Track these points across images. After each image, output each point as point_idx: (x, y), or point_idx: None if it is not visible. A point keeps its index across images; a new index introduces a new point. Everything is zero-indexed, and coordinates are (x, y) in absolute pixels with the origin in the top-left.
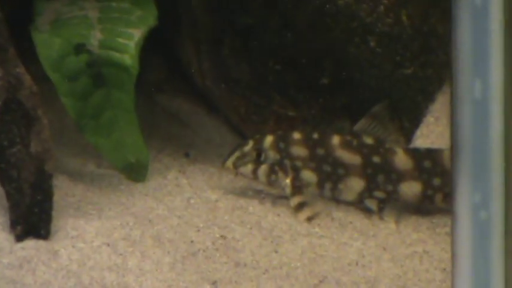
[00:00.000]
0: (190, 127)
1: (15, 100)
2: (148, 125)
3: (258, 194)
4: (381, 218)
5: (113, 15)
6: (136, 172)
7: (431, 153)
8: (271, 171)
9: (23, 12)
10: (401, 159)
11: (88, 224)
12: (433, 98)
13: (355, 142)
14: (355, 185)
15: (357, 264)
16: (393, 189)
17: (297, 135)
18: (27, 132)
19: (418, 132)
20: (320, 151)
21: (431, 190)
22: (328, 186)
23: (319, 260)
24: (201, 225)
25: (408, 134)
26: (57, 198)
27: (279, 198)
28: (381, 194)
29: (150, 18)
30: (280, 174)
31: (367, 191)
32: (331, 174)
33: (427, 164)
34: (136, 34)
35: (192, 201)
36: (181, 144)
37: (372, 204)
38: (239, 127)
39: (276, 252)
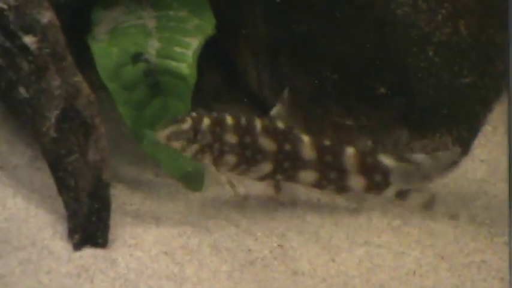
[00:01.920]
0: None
1: (73, 109)
2: None
3: (315, 204)
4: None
5: (170, 24)
6: (193, 181)
7: (334, 149)
8: (201, 150)
9: (80, 21)
10: (307, 149)
11: (146, 233)
12: (490, 108)
13: (271, 128)
14: (265, 168)
15: (414, 273)
16: (293, 175)
17: (230, 121)
18: (84, 141)
19: (476, 142)
20: (247, 139)
21: (326, 182)
22: (243, 167)
23: (376, 269)
24: (259, 234)
25: (466, 144)
26: (115, 207)
27: (337, 208)
28: (280, 177)
29: (207, 27)
30: (207, 155)
31: (272, 174)
32: (250, 159)
33: (328, 158)
34: (194, 43)
35: (249, 210)
36: None
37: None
38: None
39: (334, 261)
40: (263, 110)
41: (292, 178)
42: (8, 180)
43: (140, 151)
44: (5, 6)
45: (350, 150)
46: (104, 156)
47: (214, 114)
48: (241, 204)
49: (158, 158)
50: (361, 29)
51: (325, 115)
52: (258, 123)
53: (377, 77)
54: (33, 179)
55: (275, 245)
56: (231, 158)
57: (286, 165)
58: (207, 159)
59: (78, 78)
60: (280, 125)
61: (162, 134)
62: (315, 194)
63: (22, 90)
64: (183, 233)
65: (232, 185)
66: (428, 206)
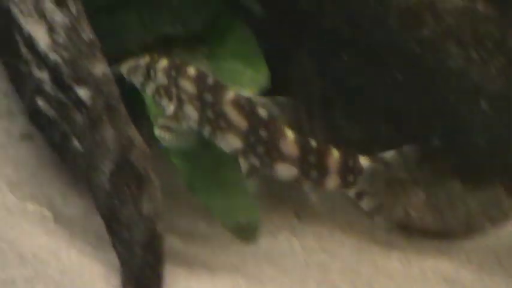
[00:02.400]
0: (301, 188)
1: (127, 161)
2: (259, 186)
3: (369, 255)
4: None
5: (225, 76)
6: (247, 233)
7: (319, 151)
8: (157, 91)
9: None
10: (289, 145)
11: (199, 285)
12: None
13: (247, 107)
14: (232, 141)
15: None
16: (270, 165)
17: (191, 72)
18: (138, 193)
19: None
20: (208, 97)
21: (305, 178)
22: (208, 129)
23: None
24: (312, 286)
25: None
26: (169, 258)
27: (389, 259)
28: (255, 161)
29: (261, 79)
30: (165, 99)
31: (244, 152)
32: (213, 121)
33: (312, 159)
34: (248, 94)
35: (303, 262)
36: (292, 205)
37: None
38: None
39: None
40: None
41: (268, 166)
42: (62, 233)
43: (194, 202)
44: (58, 59)
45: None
46: (157, 208)
47: (177, 61)
48: (295, 255)
49: (212, 210)
50: (413, 80)
51: None
52: (230, 93)
53: (430, 128)
54: (87, 232)
55: None
56: (191, 110)
57: (261, 151)
58: (166, 105)
59: (132, 130)
60: (262, 111)
61: (122, 68)
62: (369, 247)
63: (76, 142)
64: (237, 285)
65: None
66: (372, 213)
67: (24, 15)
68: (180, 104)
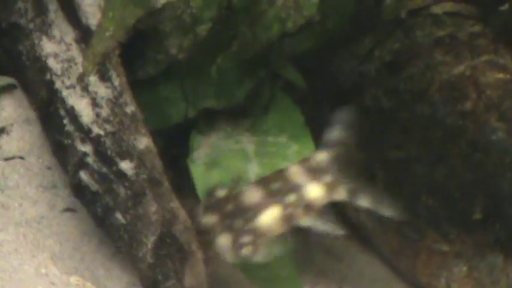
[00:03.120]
0: (343, 261)
1: (170, 235)
2: (302, 259)
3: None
4: None
5: (270, 150)
6: None
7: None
8: None
9: (177, 147)
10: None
11: None
12: None
13: None
14: None
15: None
16: None
17: None
18: (181, 267)
19: None
20: None
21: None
22: None
23: None
24: None
25: None
26: None
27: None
28: None
29: (307, 152)
30: None
31: None
32: None
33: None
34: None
35: None
36: (335, 278)
37: None
38: (391, 261)
39: None
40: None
41: None
42: None
43: (238, 275)
44: (102, 133)
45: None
46: (200, 281)
47: None
48: None
49: (255, 282)
50: (455, 154)
51: (421, 240)
52: None
53: (471, 201)
54: None
55: None
56: None
57: None
58: None
59: (175, 203)
60: None
61: None
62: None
63: (119, 215)
64: None
65: None
66: None
67: (68, 88)
68: None
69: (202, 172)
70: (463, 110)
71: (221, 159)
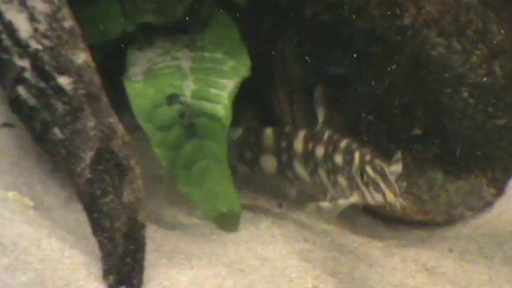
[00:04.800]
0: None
1: (108, 149)
2: (241, 175)
3: (350, 245)
4: None
5: (206, 66)
6: (228, 222)
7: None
8: None
9: (115, 61)
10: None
11: (180, 274)
12: None
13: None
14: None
15: None
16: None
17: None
18: (119, 182)
19: (510, 183)
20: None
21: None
22: None
23: None
24: (294, 275)
25: (501, 185)
26: (150, 248)
27: (371, 249)
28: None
29: (243, 68)
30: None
31: None
32: None
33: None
34: (229, 85)
35: (284, 251)
36: (274, 194)
37: None
38: None
39: None
40: None
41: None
42: (43, 221)
43: (175, 192)
44: (39, 47)
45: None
46: (139, 197)
47: None
48: (276, 244)
49: (193, 199)
50: (394, 70)
51: None
52: None
53: (411, 117)
54: (67, 220)
55: (310, 286)
56: None
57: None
58: None
59: (113, 119)
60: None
61: None
62: (350, 236)
63: (57, 131)
64: (218, 274)
65: None
66: None
67: (5, 2)
68: None
69: (138, 88)
70: (402, 26)
71: (157, 75)
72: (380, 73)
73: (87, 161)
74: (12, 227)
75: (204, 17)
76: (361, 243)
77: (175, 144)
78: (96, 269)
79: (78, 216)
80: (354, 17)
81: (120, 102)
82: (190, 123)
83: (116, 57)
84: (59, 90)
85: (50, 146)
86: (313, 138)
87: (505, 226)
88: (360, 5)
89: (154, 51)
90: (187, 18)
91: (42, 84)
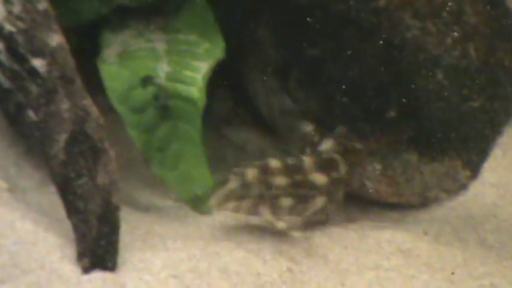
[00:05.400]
0: (258, 159)
1: (82, 132)
2: (216, 157)
3: (324, 227)
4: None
5: (180, 48)
6: (202, 204)
7: None
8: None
9: (90, 44)
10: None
11: (155, 256)
12: (500, 131)
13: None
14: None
15: None
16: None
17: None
18: (94, 164)
19: (486, 165)
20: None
21: None
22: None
23: None
24: (268, 257)
25: (476, 167)
26: (124, 230)
27: (346, 231)
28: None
29: (217, 51)
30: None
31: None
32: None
33: None
34: (204, 67)
35: (258, 233)
36: None
37: None
38: None
39: (343, 285)
40: (273, 133)
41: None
42: (17, 203)
43: (150, 174)
44: (13, 29)
45: None
46: (113, 179)
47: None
48: (250, 227)
49: (167, 181)
50: (369, 52)
51: (335, 138)
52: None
53: (386, 100)
54: (41, 202)
55: (284, 268)
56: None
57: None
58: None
59: (88, 101)
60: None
61: (214, 202)
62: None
63: (31, 113)
64: (192, 256)
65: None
66: None
67: None
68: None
69: (112, 71)
70: (376, 7)
71: (131, 57)
72: (354, 55)
73: (61, 143)
74: None
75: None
76: (336, 225)
77: (150, 127)
78: (71, 251)
79: (52, 199)
80: None
81: (94, 84)
82: (164, 106)
83: (90, 39)
84: (33, 72)
85: (24, 128)
86: None
87: (479, 209)
88: None
89: (128, 34)
90: (161, 0)
91: (16, 67)
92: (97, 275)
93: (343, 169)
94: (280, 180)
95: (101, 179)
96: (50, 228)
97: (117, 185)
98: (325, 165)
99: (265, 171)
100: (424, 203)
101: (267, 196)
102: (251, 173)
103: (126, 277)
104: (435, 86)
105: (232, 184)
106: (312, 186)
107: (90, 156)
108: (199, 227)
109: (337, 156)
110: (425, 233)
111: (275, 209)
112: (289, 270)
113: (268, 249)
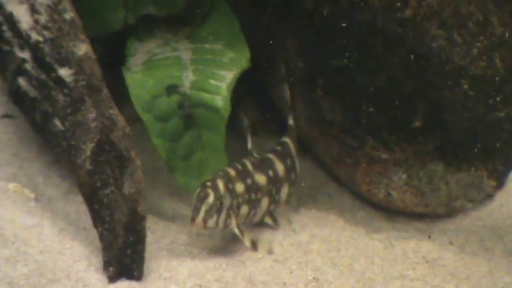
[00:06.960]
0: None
1: (109, 141)
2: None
3: (350, 236)
4: None
5: (206, 57)
6: None
7: None
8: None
9: (116, 53)
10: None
11: (181, 266)
12: None
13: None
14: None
15: None
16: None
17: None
18: (120, 174)
19: (511, 175)
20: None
21: None
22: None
23: None
24: (294, 267)
25: (501, 177)
26: (150, 239)
27: (371, 241)
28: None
29: (242, 60)
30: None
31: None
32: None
33: None
34: (229, 76)
35: (285, 242)
36: None
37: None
38: (332, 169)
39: None
40: (299, 142)
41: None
42: (43, 212)
43: (176, 183)
44: (40, 39)
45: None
46: (139, 188)
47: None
48: (276, 235)
49: (191, 190)
50: (394, 62)
51: (361, 148)
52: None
53: (412, 110)
54: (68, 211)
55: (310, 278)
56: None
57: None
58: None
59: (114, 110)
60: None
61: (198, 224)
62: (350, 228)
63: (57, 122)
64: (218, 265)
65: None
66: None
67: None
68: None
69: (137, 79)
70: (402, 17)
71: (156, 66)
72: (380, 65)
73: (88, 152)
74: (13, 219)
75: (205, 9)
76: (361, 235)
77: (174, 135)
78: (97, 260)
79: (78, 208)
80: (354, 8)
81: (121, 93)
82: (189, 114)
83: (117, 49)
84: (60, 81)
85: (51, 137)
86: None
87: (505, 218)
88: None
89: (154, 42)
90: (188, 9)
91: (42, 76)
92: (123, 284)
93: (280, 168)
94: (239, 187)
95: (127, 188)
96: (76, 238)
97: (143, 194)
98: (262, 165)
99: (229, 179)
100: (450, 212)
101: (234, 206)
102: (221, 184)
103: (152, 286)
104: (461, 96)
105: (211, 198)
106: (258, 188)
107: (116, 165)
108: (224, 236)
109: (271, 156)
110: (451, 243)
111: (239, 219)
112: (315, 279)
113: (294, 259)
